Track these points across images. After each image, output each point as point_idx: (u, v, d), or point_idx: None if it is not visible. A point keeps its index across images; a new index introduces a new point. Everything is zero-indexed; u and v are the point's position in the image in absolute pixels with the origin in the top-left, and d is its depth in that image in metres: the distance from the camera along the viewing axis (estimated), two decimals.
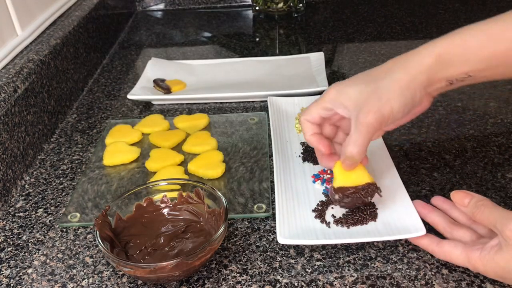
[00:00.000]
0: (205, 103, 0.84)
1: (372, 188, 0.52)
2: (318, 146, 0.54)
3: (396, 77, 0.47)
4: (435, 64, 0.46)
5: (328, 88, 0.51)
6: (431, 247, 0.48)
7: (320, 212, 0.55)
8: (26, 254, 0.54)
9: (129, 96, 0.82)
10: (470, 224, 0.50)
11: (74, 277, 0.51)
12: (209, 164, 0.65)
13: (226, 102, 0.83)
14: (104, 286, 0.50)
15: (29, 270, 0.52)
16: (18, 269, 0.52)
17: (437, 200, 0.55)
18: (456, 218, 0.52)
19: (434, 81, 0.47)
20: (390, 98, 0.46)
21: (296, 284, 0.48)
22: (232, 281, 0.49)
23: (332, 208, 0.56)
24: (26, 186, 0.66)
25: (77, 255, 0.54)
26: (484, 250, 0.43)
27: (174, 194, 0.56)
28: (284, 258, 0.51)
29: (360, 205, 0.54)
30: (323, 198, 0.58)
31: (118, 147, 0.70)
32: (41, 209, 0.61)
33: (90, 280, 0.50)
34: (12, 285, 0.50)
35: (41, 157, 0.72)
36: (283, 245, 0.53)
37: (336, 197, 0.52)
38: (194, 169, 0.64)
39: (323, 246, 0.52)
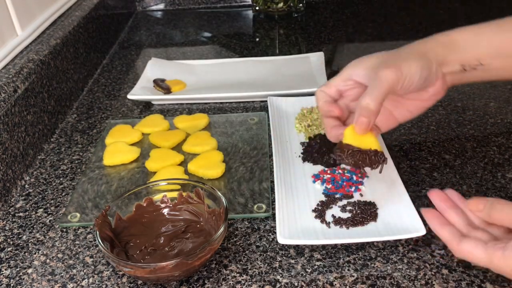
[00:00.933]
0: (205, 103, 0.84)
1: (379, 156, 0.50)
2: (330, 109, 0.54)
3: (415, 47, 0.52)
4: (449, 44, 0.51)
5: (347, 65, 0.54)
6: (451, 243, 0.46)
7: (320, 212, 0.55)
8: (26, 254, 0.54)
9: (129, 96, 0.82)
10: (484, 227, 0.49)
11: (74, 277, 0.51)
12: (209, 164, 0.65)
13: (226, 102, 0.83)
14: (104, 286, 0.50)
15: (29, 270, 0.52)
16: (18, 269, 0.52)
17: (435, 196, 0.51)
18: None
19: (448, 60, 0.51)
20: (409, 58, 0.49)
21: (296, 284, 0.48)
22: (232, 281, 0.49)
23: (332, 208, 0.56)
24: (26, 186, 0.66)
25: (77, 255, 0.54)
26: (507, 249, 0.42)
27: (174, 194, 0.56)
28: (284, 258, 0.51)
29: (361, 167, 0.52)
30: (323, 198, 0.58)
31: (118, 147, 0.70)
32: (41, 209, 0.61)
33: (90, 280, 0.50)
34: (12, 285, 0.50)
35: (41, 157, 0.72)
36: (283, 245, 0.53)
37: (339, 152, 0.51)
38: (194, 169, 0.64)
39: (323, 246, 0.52)
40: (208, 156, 0.67)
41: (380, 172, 0.51)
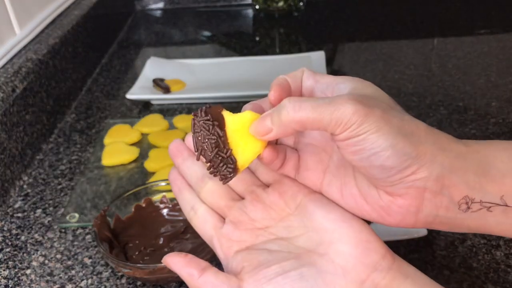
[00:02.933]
0: (205, 103, 0.83)
1: (230, 167, 0.33)
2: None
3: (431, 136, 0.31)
4: (475, 161, 0.30)
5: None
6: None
7: None
8: (25, 254, 0.54)
9: (128, 96, 0.82)
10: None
11: (73, 278, 0.50)
12: None
13: (226, 102, 0.83)
14: (103, 287, 0.49)
15: (28, 271, 0.52)
16: (16, 270, 0.52)
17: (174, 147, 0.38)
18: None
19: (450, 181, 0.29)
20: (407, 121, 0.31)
21: None
22: None
23: None
24: (25, 186, 0.65)
25: (75, 256, 0.53)
26: None
27: (173, 195, 0.55)
28: None
29: (200, 153, 0.34)
30: None
31: (117, 147, 0.70)
32: (40, 210, 0.61)
33: (89, 281, 0.50)
34: (10, 286, 0.50)
35: (40, 157, 0.71)
36: None
37: (199, 117, 0.36)
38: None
39: None
40: None
41: (221, 180, 0.34)
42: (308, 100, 0.30)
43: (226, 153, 0.33)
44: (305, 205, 0.34)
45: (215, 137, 0.34)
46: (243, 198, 0.36)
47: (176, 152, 0.38)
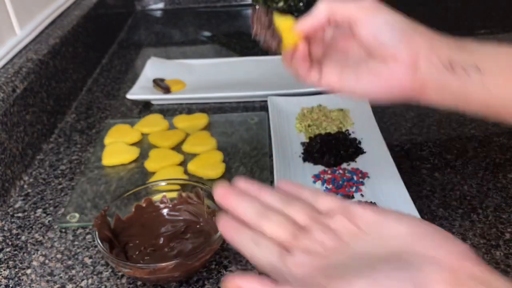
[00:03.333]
0: (205, 103, 0.83)
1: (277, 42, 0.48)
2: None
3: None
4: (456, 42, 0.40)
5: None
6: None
7: None
8: (25, 254, 0.54)
9: (129, 96, 0.82)
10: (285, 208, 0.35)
11: (73, 277, 0.51)
12: (209, 164, 0.64)
13: (226, 102, 0.83)
14: (103, 286, 0.49)
15: (28, 271, 0.52)
16: (17, 270, 0.52)
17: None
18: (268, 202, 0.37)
19: (437, 50, 0.39)
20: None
21: None
22: None
23: None
24: (25, 186, 0.65)
25: (76, 256, 0.53)
26: None
27: (174, 195, 0.55)
28: None
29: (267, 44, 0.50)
30: None
31: (117, 147, 0.70)
32: (40, 210, 0.61)
33: (89, 281, 0.50)
34: (11, 285, 0.50)
35: (40, 157, 0.71)
36: None
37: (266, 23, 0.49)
38: (194, 169, 0.64)
39: None
40: (208, 156, 0.66)
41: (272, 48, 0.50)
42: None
43: (274, 31, 0.47)
44: (375, 221, 0.33)
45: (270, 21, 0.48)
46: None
47: (226, 195, 0.38)
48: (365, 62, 0.43)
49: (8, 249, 0.55)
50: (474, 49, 0.38)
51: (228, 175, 0.64)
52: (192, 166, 0.64)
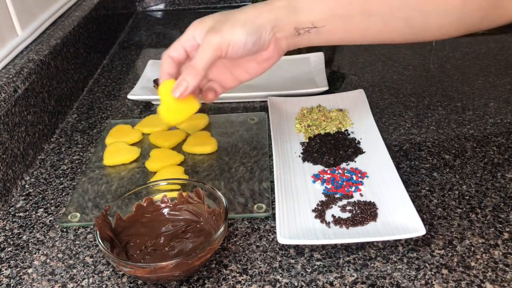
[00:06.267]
0: (205, 103, 0.83)
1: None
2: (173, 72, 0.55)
3: (245, 11, 0.51)
4: (284, 8, 0.50)
5: (192, 23, 0.54)
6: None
7: (320, 212, 0.55)
8: (26, 254, 0.54)
9: (129, 96, 0.82)
10: None
11: (74, 277, 0.51)
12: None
13: (226, 102, 0.83)
14: (104, 286, 0.50)
15: (29, 270, 0.52)
16: (18, 269, 0.52)
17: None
18: None
19: (281, 24, 0.51)
20: (236, 24, 0.50)
21: (296, 284, 0.48)
22: (232, 281, 0.49)
23: (332, 208, 0.56)
24: (26, 186, 0.66)
25: (77, 255, 0.54)
26: None
27: (174, 194, 0.56)
28: (284, 258, 0.51)
29: None
30: (323, 198, 0.58)
31: (118, 147, 0.70)
32: (41, 209, 0.61)
33: (90, 280, 0.50)
34: (12, 285, 0.50)
35: (41, 157, 0.72)
36: (283, 245, 0.53)
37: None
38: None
39: (323, 246, 0.52)
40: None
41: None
42: (195, 57, 0.51)
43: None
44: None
45: None
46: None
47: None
48: (246, 60, 0.55)
49: (9, 249, 0.55)
50: (305, 10, 0.50)
51: (228, 175, 0.64)
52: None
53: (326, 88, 0.80)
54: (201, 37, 0.52)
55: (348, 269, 0.49)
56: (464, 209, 0.56)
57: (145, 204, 0.55)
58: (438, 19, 0.50)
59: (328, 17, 0.50)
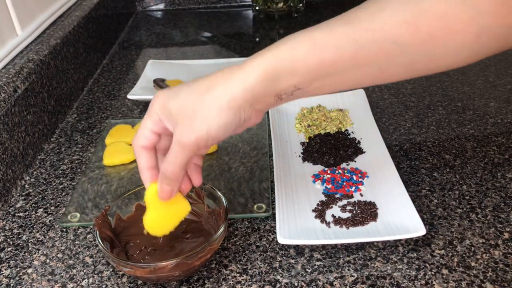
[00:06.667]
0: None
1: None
2: (151, 165, 0.48)
3: (216, 94, 0.42)
4: (261, 81, 0.41)
5: (153, 100, 0.45)
6: None
7: (320, 212, 0.55)
8: (26, 254, 0.54)
9: (129, 96, 0.82)
10: None
11: (74, 277, 0.51)
12: None
13: None
14: (104, 286, 0.50)
15: (29, 270, 0.52)
16: (18, 269, 0.52)
17: None
18: None
19: (260, 97, 0.42)
20: (207, 118, 0.42)
21: (296, 284, 0.48)
22: (232, 281, 0.49)
23: (332, 208, 0.56)
24: (26, 186, 0.66)
25: (77, 255, 0.54)
26: None
27: None
28: (284, 258, 0.51)
29: None
30: (323, 198, 0.58)
31: (118, 147, 0.70)
32: (41, 209, 0.61)
33: (90, 280, 0.50)
34: (12, 285, 0.50)
35: (41, 157, 0.72)
36: (283, 245, 0.53)
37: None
38: None
39: (323, 246, 0.52)
40: None
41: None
42: (167, 156, 0.45)
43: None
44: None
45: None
46: None
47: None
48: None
49: (9, 249, 0.55)
50: (288, 71, 0.41)
51: (228, 175, 0.64)
52: None
53: None
54: (168, 123, 0.44)
55: (348, 269, 0.49)
56: (465, 209, 0.56)
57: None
58: (445, 59, 0.42)
59: (312, 77, 0.42)
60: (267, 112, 0.76)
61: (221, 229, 0.48)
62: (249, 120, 0.44)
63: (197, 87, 0.43)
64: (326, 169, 0.63)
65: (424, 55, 0.41)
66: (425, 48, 0.40)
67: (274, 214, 0.57)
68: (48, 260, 0.53)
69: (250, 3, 1.32)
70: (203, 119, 0.42)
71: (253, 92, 0.41)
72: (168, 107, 0.43)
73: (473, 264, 0.49)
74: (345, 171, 0.62)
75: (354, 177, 0.60)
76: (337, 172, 0.62)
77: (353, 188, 0.59)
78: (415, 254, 0.51)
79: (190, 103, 0.42)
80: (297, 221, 0.54)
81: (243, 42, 1.10)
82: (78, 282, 0.50)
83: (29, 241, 0.56)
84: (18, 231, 0.58)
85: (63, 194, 0.64)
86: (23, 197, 0.64)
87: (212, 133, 0.42)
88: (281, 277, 0.49)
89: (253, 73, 0.41)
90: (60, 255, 0.54)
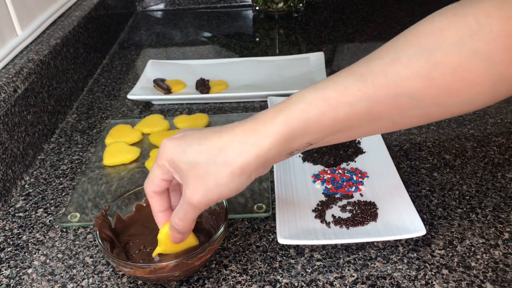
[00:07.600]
0: (205, 103, 0.84)
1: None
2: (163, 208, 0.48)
3: (228, 159, 0.41)
4: (274, 146, 0.40)
5: (161, 148, 0.44)
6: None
7: (320, 212, 0.55)
8: (26, 254, 0.54)
9: (129, 96, 0.82)
10: None
11: (74, 277, 0.51)
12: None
13: (226, 102, 0.83)
14: (104, 286, 0.50)
15: (29, 270, 0.52)
16: (18, 269, 0.52)
17: None
18: None
19: (273, 159, 0.42)
20: (219, 184, 0.41)
21: (296, 284, 0.48)
22: (232, 281, 0.49)
23: (332, 208, 0.56)
24: (26, 186, 0.66)
25: (77, 255, 0.54)
26: None
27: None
28: (284, 258, 0.51)
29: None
30: (323, 198, 0.58)
31: (118, 147, 0.70)
32: (41, 209, 0.61)
33: (90, 280, 0.50)
34: (12, 285, 0.50)
35: (41, 157, 0.72)
36: (283, 245, 0.53)
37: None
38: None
39: (323, 246, 0.52)
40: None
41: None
42: (176, 210, 0.45)
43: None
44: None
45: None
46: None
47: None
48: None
49: (9, 249, 0.55)
50: (302, 133, 0.41)
51: None
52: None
53: None
54: (177, 176, 0.44)
55: (348, 269, 0.49)
56: (465, 209, 0.56)
57: (145, 204, 0.55)
58: (461, 108, 0.41)
59: (326, 134, 0.41)
60: None
61: (221, 229, 0.48)
62: (260, 175, 0.44)
63: (208, 148, 0.41)
64: (326, 169, 0.63)
65: (439, 106, 0.40)
66: (440, 100, 0.39)
67: (274, 214, 0.57)
68: (48, 260, 0.53)
69: (250, 3, 1.32)
70: (215, 185, 0.41)
71: (266, 156, 0.41)
72: (176, 163, 0.42)
73: (473, 264, 0.49)
74: (345, 171, 0.62)
75: (354, 177, 0.60)
76: (337, 172, 0.62)
77: (353, 188, 0.59)
78: (415, 254, 0.51)
79: (201, 164, 0.41)
80: (297, 221, 0.54)
81: (243, 42, 1.10)
82: (78, 282, 0.50)
83: (29, 241, 0.56)
84: (18, 231, 0.58)
85: (63, 194, 0.64)
86: (23, 197, 0.64)
87: (224, 196, 0.42)
88: (281, 277, 0.49)
89: (266, 138, 0.40)
90: (60, 255, 0.54)
